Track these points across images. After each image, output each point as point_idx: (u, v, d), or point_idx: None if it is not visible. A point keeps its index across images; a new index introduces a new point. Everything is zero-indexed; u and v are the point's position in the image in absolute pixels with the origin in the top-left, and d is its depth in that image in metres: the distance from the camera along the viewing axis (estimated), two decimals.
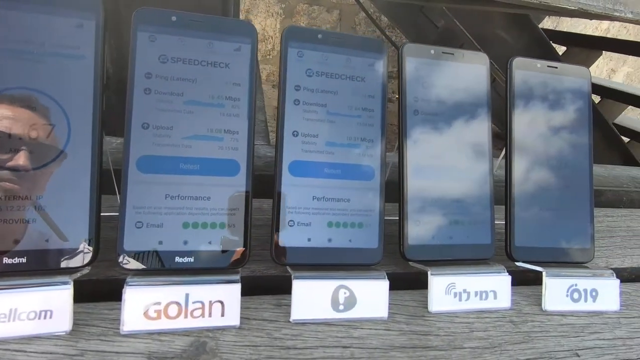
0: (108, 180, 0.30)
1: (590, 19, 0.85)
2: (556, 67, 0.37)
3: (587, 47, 1.79)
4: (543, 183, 0.36)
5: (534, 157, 0.36)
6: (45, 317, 0.23)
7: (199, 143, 0.29)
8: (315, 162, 0.31)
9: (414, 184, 0.33)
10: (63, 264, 0.25)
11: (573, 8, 0.69)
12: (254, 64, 0.30)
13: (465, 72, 0.35)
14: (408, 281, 0.34)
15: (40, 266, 0.25)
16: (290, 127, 0.31)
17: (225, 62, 0.29)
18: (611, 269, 0.41)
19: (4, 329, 0.22)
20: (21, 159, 0.25)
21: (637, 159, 1.79)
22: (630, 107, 1.85)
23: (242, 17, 2.67)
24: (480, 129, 0.35)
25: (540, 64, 0.37)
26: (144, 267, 0.26)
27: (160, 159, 0.28)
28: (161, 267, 0.27)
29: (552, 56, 1.57)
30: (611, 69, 3.16)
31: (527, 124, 0.36)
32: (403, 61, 0.34)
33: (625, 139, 1.81)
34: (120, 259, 0.26)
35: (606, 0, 0.72)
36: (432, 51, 0.35)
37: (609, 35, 2.50)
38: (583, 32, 2.00)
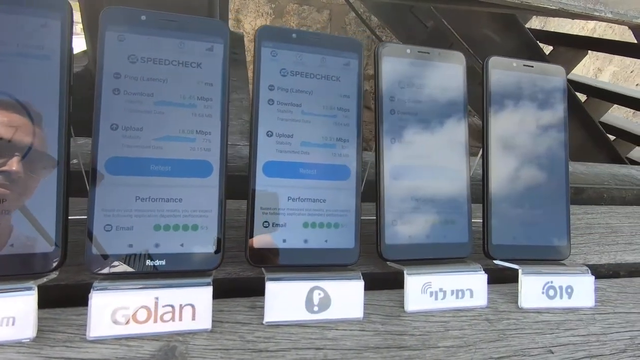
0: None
1: (573, 19, 0.86)
2: (532, 66, 0.38)
3: (573, 47, 1.81)
4: (520, 181, 0.36)
5: (510, 156, 0.36)
6: (7, 324, 0.22)
7: (170, 144, 0.28)
8: (290, 162, 0.31)
9: (390, 184, 0.33)
10: (29, 269, 0.25)
11: (554, 8, 0.70)
12: (227, 63, 0.30)
13: (442, 72, 0.36)
14: (387, 281, 0.34)
15: (5, 271, 0.24)
16: (264, 128, 0.30)
17: (197, 61, 0.29)
18: (588, 265, 0.41)
19: None
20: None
21: (622, 157, 1.82)
22: (616, 105, 1.88)
23: (231, 16, 2.66)
24: (457, 128, 0.35)
25: (516, 63, 0.37)
26: (113, 270, 0.26)
27: (130, 161, 0.27)
28: (131, 270, 0.26)
29: (539, 55, 1.58)
30: (597, 68, 3.21)
31: (503, 123, 0.36)
32: (379, 61, 0.34)
33: (612, 137, 1.84)
34: (89, 263, 0.26)
35: (587, 0, 0.73)
36: (408, 50, 0.35)
37: (595, 35, 2.53)
38: (570, 32, 2.03)
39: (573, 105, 1.65)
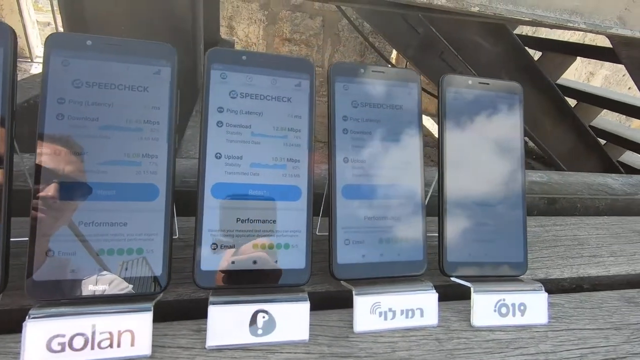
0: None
1: (551, 28, 0.87)
2: (488, 84, 0.38)
3: (562, 53, 1.83)
4: (476, 198, 0.37)
5: (466, 173, 0.37)
6: None
7: (115, 168, 0.28)
8: (239, 183, 0.31)
9: (343, 203, 0.33)
10: None
11: (527, 19, 0.71)
12: (174, 86, 0.30)
13: (396, 91, 0.36)
14: (342, 299, 0.34)
15: None
16: (213, 149, 0.30)
17: (143, 85, 0.29)
18: (550, 279, 0.42)
19: None
20: None
21: (613, 161, 1.83)
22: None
23: (224, 23, 2.67)
24: (411, 147, 0.36)
25: (471, 80, 0.38)
26: (54, 297, 0.26)
27: (74, 185, 0.27)
28: (73, 296, 0.26)
29: (527, 61, 1.60)
30: (590, 72, 3.23)
31: (459, 140, 0.37)
32: (332, 80, 0.34)
33: (603, 141, 1.85)
34: (29, 289, 0.26)
35: (562, 12, 0.74)
36: (362, 70, 0.35)
37: (586, 41, 2.55)
38: (560, 39, 2.05)
39: (563, 110, 1.66)
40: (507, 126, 0.38)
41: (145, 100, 0.29)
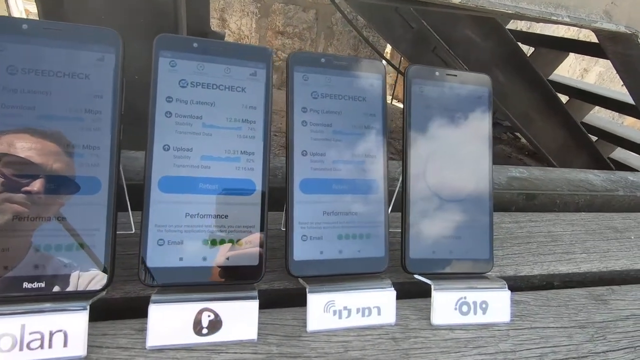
0: None
1: (537, 22, 0.85)
2: (455, 75, 0.37)
3: (554, 48, 1.82)
4: (441, 194, 0.36)
5: (431, 168, 0.36)
6: None
7: (65, 159, 0.27)
8: (189, 177, 0.30)
9: (300, 197, 0.32)
10: None
11: (510, 12, 0.69)
12: (119, 74, 0.29)
13: (359, 82, 0.35)
14: (301, 297, 0.33)
15: None
16: (160, 141, 0.29)
17: (84, 72, 0.28)
18: (520, 276, 0.41)
19: None
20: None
21: (604, 158, 1.83)
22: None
23: (216, 16, 2.63)
24: (374, 140, 0.34)
25: (438, 72, 0.36)
26: None
27: (6, 178, 0.26)
28: (7, 293, 0.25)
29: (519, 57, 1.59)
30: (584, 69, 3.23)
31: (425, 134, 0.36)
32: (291, 70, 0.33)
33: (594, 138, 1.85)
34: None
35: (547, 5, 0.73)
36: (323, 60, 0.34)
37: (580, 37, 2.54)
38: (554, 34, 2.03)
39: (554, 106, 1.66)
40: (476, 119, 0.37)
41: (86, 88, 0.28)
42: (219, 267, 0.29)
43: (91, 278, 0.27)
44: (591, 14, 0.76)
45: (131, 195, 0.31)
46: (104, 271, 0.27)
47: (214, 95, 0.30)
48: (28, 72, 0.27)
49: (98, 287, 0.27)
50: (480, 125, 0.37)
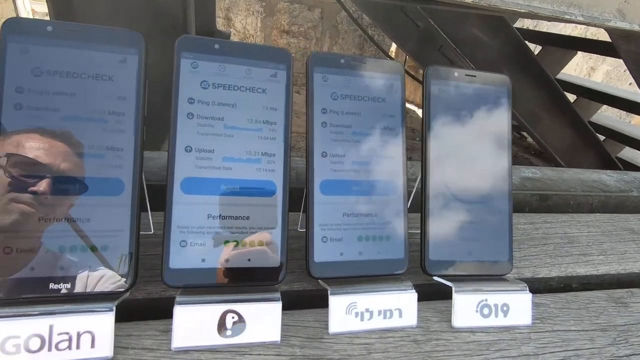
0: None
1: (548, 20, 0.85)
2: (474, 76, 0.36)
3: (562, 47, 1.80)
4: (461, 195, 0.35)
5: (451, 169, 0.35)
6: None
7: (84, 160, 0.27)
8: (211, 178, 0.30)
9: (321, 199, 0.32)
10: None
11: (523, 11, 0.69)
12: (141, 76, 0.29)
13: (379, 82, 0.34)
14: (321, 298, 0.33)
15: None
16: (182, 142, 0.29)
17: (108, 74, 0.28)
18: (538, 278, 0.41)
19: None
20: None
21: (612, 157, 1.82)
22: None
23: (221, 15, 2.63)
24: (394, 141, 0.34)
25: (457, 72, 0.36)
26: (12, 296, 0.25)
27: (32, 179, 0.26)
28: (33, 294, 0.25)
29: (526, 55, 1.57)
30: (591, 67, 3.20)
31: (444, 135, 0.35)
32: (310, 71, 0.33)
33: (602, 137, 1.83)
34: None
35: (559, 3, 0.72)
36: (342, 60, 0.34)
37: (587, 35, 2.52)
38: (561, 33, 2.02)
39: (562, 105, 1.64)
40: (495, 121, 0.37)
41: (109, 90, 0.28)
42: (241, 268, 0.29)
43: (115, 279, 0.27)
44: (604, 12, 0.75)
45: (148, 195, 0.31)
46: (128, 272, 0.27)
47: (235, 97, 0.30)
48: (52, 74, 0.27)
49: (122, 288, 0.27)
50: (500, 126, 0.37)
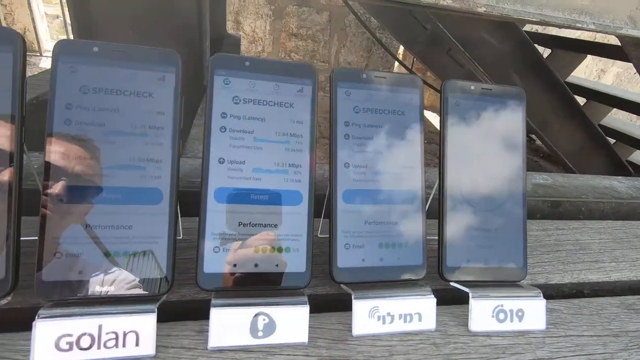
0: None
1: (559, 28, 0.86)
2: (490, 89, 0.38)
3: (572, 50, 1.80)
4: (476, 204, 0.37)
5: (467, 178, 0.37)
6: None
7: (120, 172, 0.29)
8: (242, 188, 0.31)
9: (343, 207, 0.34)
10: None
11: (535, 19, 0.70)
12: (179, 92, 0.31)
13: (398, 96, 0.36)
14: (342, 302, 0.34)
15: None
16: (216, 154, 0.31)
17: (148, 91, 0.30)
18: (551, 284, 0.42)
19: None
20: None
21: (622, 160, 1.81)
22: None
23: (230, 18, 2.66)
24: (412, 152, 0.36)
25: (474, 86, 0.38)
26: (62, 297, 0.27)
27: (81, 189, 0.28)
28: (81, 296, 0.27)
29: (535, 59, 1.58)
30: (601, 69, 3.18)
31: (461, 146, 0.37)
32: (334, 86, 0.34)
33: (612, 140, 1.82)
34: (38, 292, 0.27)
35: (570, 11, 0.73)
36: (364, 75, 0.35)
37: (598, 38, 2.51)
38: (570, 36, 2.01)
39: (572, 109, 1.64)
40: (510, 132, 0.38)
41: (150, 106, 0.30)
42: (270, 273, 0.31)
43: (155, 282, 0.29)
44: (616, 19, 0.75)
45: None
46: (166, 276, 0.29)
47: (264, 111, 0.32)
48: (98, 91, 0.29)
49: (161, 291, 0.29)
50: (514, 136, 0.38)
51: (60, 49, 0.28)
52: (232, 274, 0.30)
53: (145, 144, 0.30)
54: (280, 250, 0.32)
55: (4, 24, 2.31)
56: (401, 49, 2.82)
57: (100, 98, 0.29)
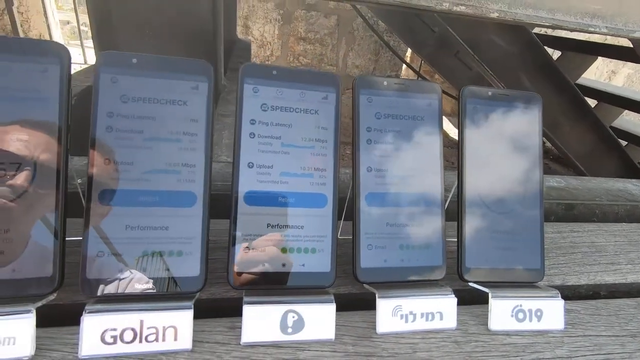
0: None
1: (571, 31, 0.86)
2: (507, 95, 0.39)
3: (582, 52, 1.79)
4: (494, 206, 0.38)
5: (485, 181, 0.38)
6: (9, 344, 0.25)
7: (158, 176, 0.31)
8: (270, 191, 0.33)
9: (366, 210, 0.35)
10: (29, 292, 0.28)
11: (547, 24, 0.71)
12: (211, 100, 0.32)
13: (418, 102, 0.37)
14: (364, 301, 0.36)
15: (7, 294, 0.27)
16: (245, 159, 0.33)
17: (183, 99, 0.32)
18: (567, 286, 0.43)
19: None
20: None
21: (634, 162, 1.79)
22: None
23: (240, 23, 2.70)
24: (432, 156, 0.37)
25: (491, 92, 0.39)
26: (104, 293, 0.29)
27: (120, 192, 0.30)
28: (121, 293, 0.29)
29: (545, 61, 1.57)
30: (611, 70, 3.14)
31: (478, 149, 0.38)
32: (357, 93, 0.36)
33: (624, 142, 1.80)
34: (83, 289, 0.28)
35: (582, 15, 0.73)
36: (385, 82, 0.37)
37: (608, 40, 2.49)
38: (580, 37, 2.01)
39: (583, 111, 1.63)
40: (527, 136, 0.39)
41: (184, 114, 0.32)
42: (296, 272, 0.33)
43: (190, 280, 0.30)
44: (628, 23, 0.76)
45: None
46: (200, 275, 0.31)
47: (291, 118, 0.34)
48: (137, 100, 0.31)
49: (194, 289, 0.30)
50: (531, 140, 0.39)
51: (103, 60, 0.30)
52: (261, 273, 0.32)
53: (180, 150, 0.31)
54: (306, 250, 0.33)
55: (20, 32, 2.38)
56: (409, 51, 2.83)
57: (139, 106, 0.31)
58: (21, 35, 2.36)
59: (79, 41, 2.64)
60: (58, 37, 2.71)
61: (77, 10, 2.69)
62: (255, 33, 2.79)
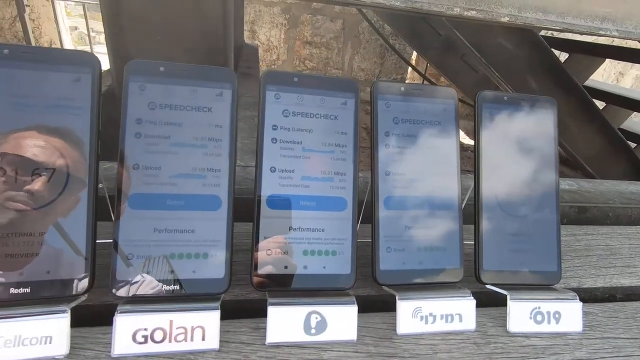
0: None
1: (581, 35, 0.87)
2: (522, 99, 0.40)
3: (590, 54, 1.78)
4: (511, 208, 0.38)
5: (502, 184, 0.38)
6: (45, 343, 0.26)
7: (184, 181, 0.32)
8: (292, 195, 0.34)
9: (384, 213, 0.36)
10: (62, 293, 0.29)
11: (558, 28, 0.71)
12: (235, 106, 0.33)
13: (435, 107, 0.38)
14: (383, 303, 0.36)
15: (43, 294, 0.28)
16: (268, 164, 0.33)
17: (208, 106, 0.33)
18: (583, 288, 0.43)
19: (10, 354, 0.25)
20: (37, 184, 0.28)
21: None
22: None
23: (246, 28, 2.73)
24: (449, 160, 0.38)
25: (507, 96, 0.39)
26: (134, 294, 0.29)
27: (148, 196, 0.31)
28: (150, 294, 0.30)
29: (553, 63, 1.57)
30: (619, 72, 3.12)
31: (494, 153, 0.38)
32: (374, 98, 0.37)
33: (633, 144, 1.79)
34: (113, 290, 0.29)
35: (593, 18, 0.74)
36: (402, 88, 0.37)
37: (615, 42, 2.48)
38: (587, 40, 2.00)
39: (591, 113, 1.63)
40: (542, 139, 0.40)
41: (209, 120, 0.32)
42: (318, 274, 0.33)
43: (215, 282, 0.31)
44: (638, 25, 0.76)
45: None
46: (225, 276, 0.32)
47: (311, 123, 0.35)
48: (164, 107, 0.32)
49: (220, 290, 0.31)
50: (547, 144, 0.40)
51: (131, 69, 0.31)
52: (283, 275, 0.33)
53: (205, 155, 0.32)
54: (327, 253, 0.34)
55: (32, 38, 2.42)
56: (414, 54, 2.84)
57: (166, 113, 0.32)
58: (32, 41, 2.40)
59: (89, 47, 2.69)
60: (68, 43, 2.76)
61: (87, 16, 2.73)
62: (261, 37, 2.82)
